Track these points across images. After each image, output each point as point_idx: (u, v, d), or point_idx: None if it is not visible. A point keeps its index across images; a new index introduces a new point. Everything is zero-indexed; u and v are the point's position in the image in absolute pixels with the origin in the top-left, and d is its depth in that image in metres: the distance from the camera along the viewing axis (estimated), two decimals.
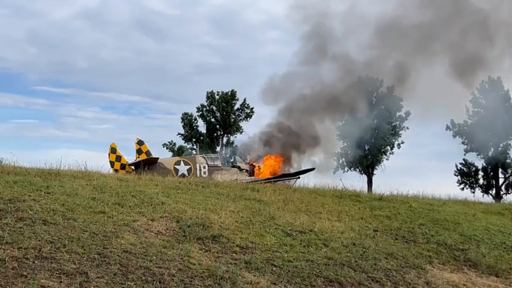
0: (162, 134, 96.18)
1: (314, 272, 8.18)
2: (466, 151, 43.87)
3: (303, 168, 27.25)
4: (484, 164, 43.38)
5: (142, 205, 10.07)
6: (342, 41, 38.01)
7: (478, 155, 43.33)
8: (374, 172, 44.78)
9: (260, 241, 9.17)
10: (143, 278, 6.75)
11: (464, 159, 44.22)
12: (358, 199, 14.96)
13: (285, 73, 36.42)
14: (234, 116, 52.65)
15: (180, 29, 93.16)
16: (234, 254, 8.35)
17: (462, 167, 44.22)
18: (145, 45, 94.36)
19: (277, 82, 36.16)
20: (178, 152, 50.24)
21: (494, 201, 35.00)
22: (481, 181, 43.84)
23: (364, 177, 44.31)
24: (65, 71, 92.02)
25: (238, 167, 25.55)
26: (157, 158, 23.64)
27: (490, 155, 42.51)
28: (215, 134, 53.04)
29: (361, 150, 43.28)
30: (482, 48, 37.98)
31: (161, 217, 9.48)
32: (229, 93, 52.68)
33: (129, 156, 24.07)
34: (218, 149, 49.85)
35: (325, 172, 39.83)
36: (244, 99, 53.11)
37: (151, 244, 7.98)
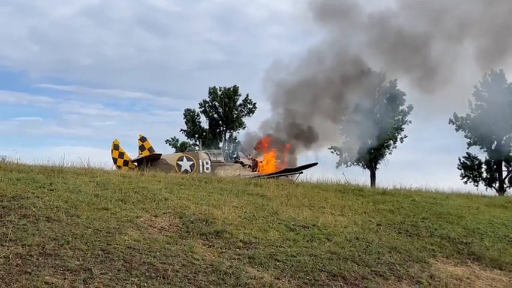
0: (164, 130, 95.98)
1: (317, 267, 8.18)
2: (469, 144, 43.73)
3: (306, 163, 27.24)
4: (487, 157, 43.22)
5: (146, 201, 10.09)
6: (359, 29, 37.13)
7: (481, 148, 43.18)
8: (377, 166, 44.72)
9: (263, 236, 9.17)
10: (147, 273, 6.77)
11: (467, 153, 44.08)
12: (361, 193, 14.95)
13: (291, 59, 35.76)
14: (236, 112, 52.57)
15: (182, 26, 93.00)
16: (238, 249, 8.36)
17: (465, 161, 44.05)
18: (147, 42, 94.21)
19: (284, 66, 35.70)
20: (181, 148, 50.19)
21: (497, 194, 34.93)
22: (484, 174, 43.65)
23: (367, 172, 44.26)
24: (67, 68, 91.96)
25: (241, 163, 25.52)
26: (160, 154, 23.64)
27: (493, 148, 42.36)
28: (218, 130, 52.97)
29: (364, 145, 43.18)
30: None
31: (164, 213, 9.50)
32: (231, 89, 52.60)
33: (132, 153, 24.10)
34: (221, 144, 49.86)
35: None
36: (247, 95, 53.03)
37: (155, 240, 7.99)
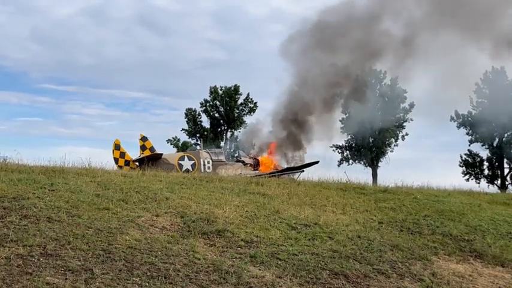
0: (166, 129, 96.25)
1: (319, 265, 8.16)
2: (471, 142, 43.70)
3: (307, 162, 27.24)
4: (489, 155, 43.20)
5: (147, 201, 10.07)
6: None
7: (482, 145, 43.15)
8: (379, 164, 44.72)
9: (265, 235, 9.16)
10: (148, 273, 6.75)
11: (469, 150, 44.07)
12: (363, 191, 14.93)
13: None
14: (237, 111, 52.66)
15: (182, 24, 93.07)
16: (239, 248, 8.35)
17: (467, 158, 44.04)
18: (148, 41, 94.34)
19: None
20: (183, 147, 50.28)
21: (499, 191, 34.90)
22: (486, 172, 43.65)
23: (369, 170, 44.27)
24: (68, 68, 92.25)
25: (243, 162, 25.55)
26: (161, 154, 23.69)
27: (495, 145, 42.32)
28: (219, 129, 53.10)
29: (366, 143, 43.23)
30: None
31: (166, 213, 9.48)
32: (232, 88, 52.67)
33: (133, 153, 24.15)
34: (222, 143, 49.89)
35: None
36: (248, 94, 53.18)
37: (156, 240, 7.98)
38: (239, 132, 52.23)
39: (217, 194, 11.81)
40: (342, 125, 43.61)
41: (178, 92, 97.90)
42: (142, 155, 23.50)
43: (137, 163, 23.01)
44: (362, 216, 11.84)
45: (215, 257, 7.80)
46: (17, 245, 6.79)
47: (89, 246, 7.16)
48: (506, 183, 42.42)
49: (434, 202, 14.10)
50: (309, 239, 9.36)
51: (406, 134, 45.19)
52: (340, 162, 45.33)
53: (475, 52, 37.24)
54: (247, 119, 52.74)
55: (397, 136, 44.80)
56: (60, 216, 8.09)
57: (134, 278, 6.53)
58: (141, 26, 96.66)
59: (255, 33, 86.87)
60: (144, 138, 24.21)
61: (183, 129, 53.50)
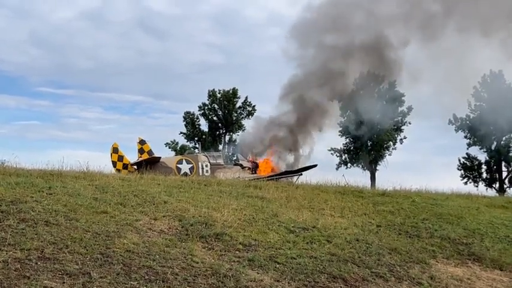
0: (164, 133, 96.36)
1: (318, 269, 8.16)
2: (469, 145, 43.68)
3: (305, 165, 27.26)
4: (487, 158, 43.17)
5: (145, 204, 10.06)
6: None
7: (480, 148, 43.12)
8: (377, 168, 44.66)
9: (263, 238, 9.15)
10: (146, 277, 6.74)
11: (467, 153, 44.03)
12: (361, 195, 14.92)
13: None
14: (236, 114, 52.60)
15: (181, 28, 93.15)
16: (237, 252, 8.34)
17: (465, 161, 43.98)
18: (146, 44, 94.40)
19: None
20: (181, 151, 50.22)
21: (497, 194, 34.88)
22: (484, 175, 43.57)
23: (367, 173, 44.22)
24: (66, 72, 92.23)
25: (241, 165, 25.55)
26: (160, 157, 23.68)
27: (493, 148, 42.30)
28: (217, 132, 53.01)
29: (364, 146, 43.22)
30: None
31: (164, 216, 9.47)
32: (230, 91, 52.63)
33: (132, 156, 24.13)
34: (220, 147, 49.86)
35: None
36: (246, 97, 53.11)
37: (154, 243, 7.97)
38: (237, 136, 52.25)
39: (215, 197, 11.81)
40: (340, 128, 43.62)
41: (177, 95, 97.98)
42: (140, 159, 23.50)
43: (135, 166, 23.00)
44: (360, 219, 11.84)
45: (213, 260, 7.79)
46: (15, 248, 6.78)
47: (87, 250, 7.15)
48: (505, 186, 42.35)
49: (433, 205, 14.10)
50: (307, 243, 9.36)
51: (405, 138, 45.16)
52: (339, 166, 45.27)
53: (476, 53, 37.36)
54: (246, 122, 52.76)
55: (396, 139, 44.73)
56: (58, 219, 8.08)
57: (132, 282, 6.52)
58: (139, 30, 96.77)
59: (253, 37, 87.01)
60: (142, 142, 24.21)
61: (181, 133, 53.44)
